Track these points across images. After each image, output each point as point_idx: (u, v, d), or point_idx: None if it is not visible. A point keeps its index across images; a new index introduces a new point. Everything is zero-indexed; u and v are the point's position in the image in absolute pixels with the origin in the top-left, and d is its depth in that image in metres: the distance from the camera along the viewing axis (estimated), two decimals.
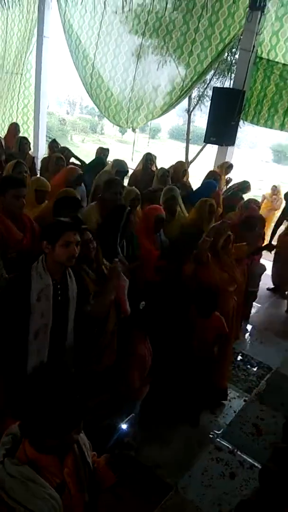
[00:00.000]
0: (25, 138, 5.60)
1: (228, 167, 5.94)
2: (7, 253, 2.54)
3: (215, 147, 6.38)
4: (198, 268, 3.13)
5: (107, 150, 5.87)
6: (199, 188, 4.94)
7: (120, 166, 4.63)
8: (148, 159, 5.48)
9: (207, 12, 5.84)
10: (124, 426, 1.48)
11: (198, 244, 3.09)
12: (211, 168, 6.04)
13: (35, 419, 1.13)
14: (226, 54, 7.00)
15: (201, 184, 5.04)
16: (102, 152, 5.73)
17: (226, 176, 5.95)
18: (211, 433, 3.20)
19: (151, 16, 6.44)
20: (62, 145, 5.94)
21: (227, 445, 3.09)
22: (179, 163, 5.53)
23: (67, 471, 1.26)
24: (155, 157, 5.62)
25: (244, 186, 5.46)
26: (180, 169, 5.31)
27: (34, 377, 1.19)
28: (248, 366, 4.11)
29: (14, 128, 6.46)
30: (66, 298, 2.12)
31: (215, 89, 6.03)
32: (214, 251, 3.16)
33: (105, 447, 1.42)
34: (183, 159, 9.57)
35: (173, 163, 5.56)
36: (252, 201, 4.76)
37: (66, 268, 2.12)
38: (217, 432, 3.21)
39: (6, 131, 6.66)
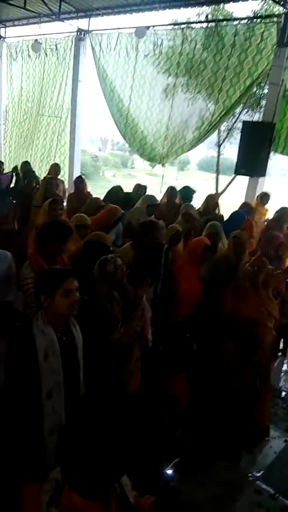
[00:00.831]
0: (51, 179, 5.77)
1: (263, 197, 5.88)
2: None
3: (245, 177, 6.43)
4: (236, 302, 3.10)
5: (145, 187, 5.76)
6: (227, 220, 4.91)
7: (150, 201, 4.67)
8: (173, 193, 5.47)
9: (235, 51, 6.06)
10: (169, 471, 1.42)
11: (240, 273, 3.06)
12: (243, 199, 6.07)
13: (84, 469, 1.08)
14: (254, 88, 7.15)
15: (229, 216, 5.01)
16: (140, 189, 5.68)
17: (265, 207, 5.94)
18: (250, 475, 3.03)
19: (182, 57, 6.74)
20: (83, 177, 6.08)
21: (268, 488, 2.91)
22: (210, 196, 5.58)
23: None
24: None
25: (281, 214, 5.23)
26: (212, 202, 5.36)
27: (80, 427, 1.14)
28: None
29: (54, 168, 6.70)
30: (74, 349, 2.01)
31: (245, 123, 6.17)
32: (254, 285, 3.13)
33: (148, 490, 1.38)
34: (213, 190, 9.68)
35: (205, 196, 5.59)
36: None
37: (68, 317, 2.01)
38: (256, 474, 3.05)
39: (47, 171, 6.92)
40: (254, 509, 2.74)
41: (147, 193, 5.36)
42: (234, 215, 4.96)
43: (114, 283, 2.39)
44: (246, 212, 5.12)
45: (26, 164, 6.80)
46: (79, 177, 5.98)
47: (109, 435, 1.10)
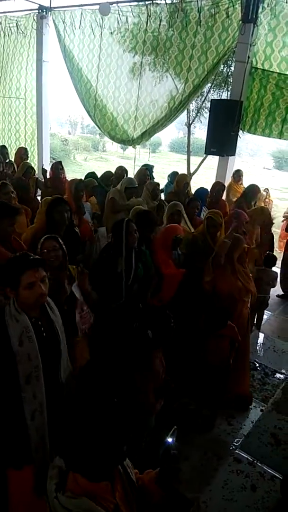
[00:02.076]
0: (31, 168, 5.64)
1: (235, 174, 6.10)
2: None
3: (217, 157, 6.46)
4: (216, 275, 3.16)
5: (125, 170, 5.77)
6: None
7: (128, 183, 4.68)
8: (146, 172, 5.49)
9: (201, 28, 5.98)
10: (169, 439, 1.44)
11: (216, 247, 3.12)
12: (214, 178, 6.11)
13: (87, 452, 1.10)
14: (222, 66, 7.12)
15: (194, 193, 5.21)
16: (120, 171, 5.64)
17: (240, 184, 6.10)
18: (230, 445, 3.16)
19: (147, 35, 6.60)
20: (60, 162, 5.97)
21: (246, 456, 3.04)
22: (181, 176, 5.58)
23: (119, 494, 1.25)
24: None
25: (249, 190, 5.28)
26: (182, 182, 5.36)
27: (79, 412, 1.15)
28: (263, 375, 4.06)
29: (20, 152, 6.62)
30: (53, 333, 1.98)
31: (213, 101, 6.13)
32: (229, 261, 3.20)
33: (153, 461, 1.40)
34: (185, 171, 9.68)
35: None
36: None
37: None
38: (235, 443, 3.17)
39: (14, 155, 6.79)
40: (234, 476, 2.87)
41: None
42: (197, 191, 5.14)
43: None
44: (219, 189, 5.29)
45: (3, 148, 6.66)
46: (59, 163, 5.83)
47: (108, 415, 1.11)
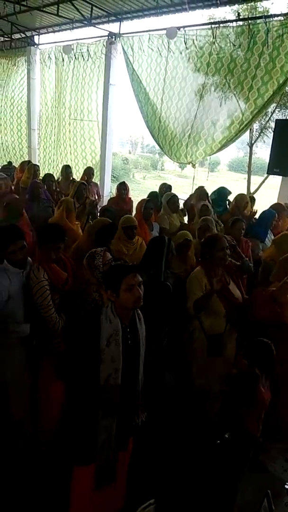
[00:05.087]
0: (83, 184, 5.73)
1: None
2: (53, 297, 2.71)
3: (278, 177, 6.28)
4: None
5: (170, 186, 6.00)
6: (257, 219, 5.00)
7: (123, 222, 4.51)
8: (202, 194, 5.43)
9: (267, 49, 5.93)
10: None
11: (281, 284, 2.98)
12: (275, 199, 5.94)
13: None
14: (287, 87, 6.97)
15: (259, 216, 5.02)
16: (165, 189, 5.85)
17: None
18: (286, 482, 2.94)
19: (212, 57, 6.67)
20: (126, 183, 6.14)
21: None
22: (240, 195, 5.44)
23: None
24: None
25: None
26: (242, 202, 5.25)
27: None
28: None
29: (88, 171, 6.87)
30: (136, 342, 2.12)
31: (277, 121, 6.03)
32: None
33: None
34: (245, 191, 9.51)
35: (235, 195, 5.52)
36: None
37: (135, 311, 2.11)
38: None
39: (81, 174, 7.06)
40: None
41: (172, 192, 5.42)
42: (263, 213, 4.95)
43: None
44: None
45: (67, 167, 6.93)
46: (122, 183, 6.01)
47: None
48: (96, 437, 2.03)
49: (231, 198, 5.58)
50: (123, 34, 8.04)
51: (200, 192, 5.43)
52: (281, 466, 3.08)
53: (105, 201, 6.43)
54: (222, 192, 5.70)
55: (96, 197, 6.43)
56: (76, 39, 8.84)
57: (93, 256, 2.76)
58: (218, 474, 2.68)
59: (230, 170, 29.22)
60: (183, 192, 5.81)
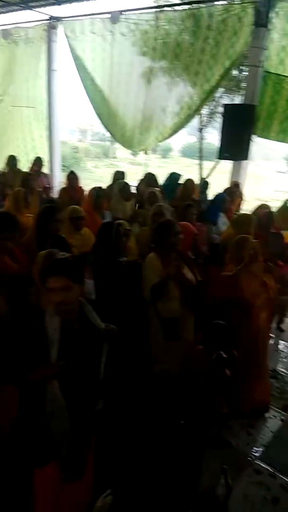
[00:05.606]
0: (29, 174, 5.64)
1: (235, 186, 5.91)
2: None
3: (229, 161, 6.39)
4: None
5: (123, 173, 5.98)
6: (211, 202, 5.11)
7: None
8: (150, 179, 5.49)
9: (212, 33, 5.95)
10: None
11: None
12: (227, 183, 6.06)
13: None
14: (234, 71, 7.07)
15: (212, 199, 5.15)
16: (118, 176, 5.83)
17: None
18: (249, 456, 3.07)
19: (158, 41, 6.59)
20: (76, 172, 6.00)
21: (267, 467, 2.96)
22: (189, 180, 5.51)
23: None
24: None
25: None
26: (191, 187, 5.33)
27: None
28: (282, 383, 3.96)
29: (37, 162, 6.75)
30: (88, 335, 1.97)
31: (226, 106, 6.08)
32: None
33: None
34: (197, 176, 9.63)
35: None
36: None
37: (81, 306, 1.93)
38: (254, 454, 3.09)
39: (31, 164, 6.85)
40: (255, 488, 2.78)
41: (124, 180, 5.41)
42: (215, 197, 5.07)
43: None
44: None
45: (13, 158, 6.69)
46: (72, 173, 5.85)
47: None
48: (49, 435, 1.90)
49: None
50: (65, 17, 7.74)
51: (148, 178, 5.43)
52: (243, 440, 3.22)
53: (56, 191, 6.25)
54: (173, 177, 5.74)
55: (48, 186, 6.26)
56: (15, 23, 8.40)
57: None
58: (183, 454, 2.74)
59: (182, 156, 29.41)
60: (136, 179, 5.75)
